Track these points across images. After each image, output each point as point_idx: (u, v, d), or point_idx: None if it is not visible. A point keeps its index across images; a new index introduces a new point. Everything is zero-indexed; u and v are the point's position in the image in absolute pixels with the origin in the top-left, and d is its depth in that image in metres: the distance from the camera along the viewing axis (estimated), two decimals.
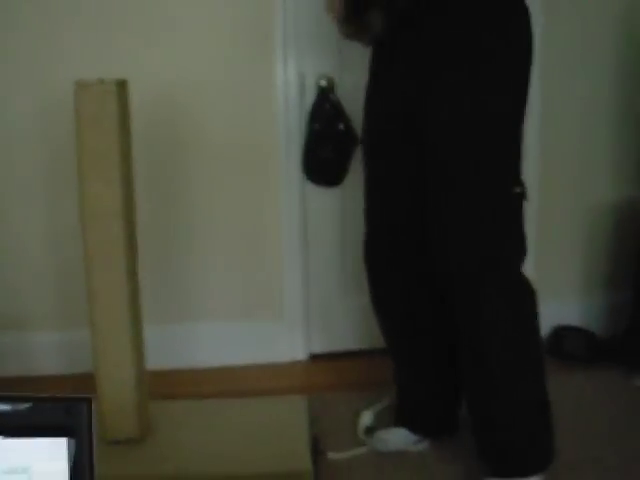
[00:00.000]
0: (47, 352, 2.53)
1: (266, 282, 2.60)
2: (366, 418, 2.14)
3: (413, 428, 2.02)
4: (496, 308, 1.68)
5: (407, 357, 2.00)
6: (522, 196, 1.68)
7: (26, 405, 0.60)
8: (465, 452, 1.89)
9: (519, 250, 1.72)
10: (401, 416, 2.05)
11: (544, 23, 2.38)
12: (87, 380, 1.94)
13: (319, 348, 2.71)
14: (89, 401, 0.60)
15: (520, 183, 1.68)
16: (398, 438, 2.02)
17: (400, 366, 2.03)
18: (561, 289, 2.73)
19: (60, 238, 2.46)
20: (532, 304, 1.74)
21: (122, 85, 1.77)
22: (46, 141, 2.40)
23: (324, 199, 2.60)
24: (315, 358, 2.70)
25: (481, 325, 1.69)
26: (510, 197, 1.67)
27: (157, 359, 2.13)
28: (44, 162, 2.43)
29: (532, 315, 1.74)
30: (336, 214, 2.64)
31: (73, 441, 0.60)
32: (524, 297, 1.73)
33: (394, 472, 1.92)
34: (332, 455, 1.97)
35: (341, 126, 2.48)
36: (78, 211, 1.80)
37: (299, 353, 2.67)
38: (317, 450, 1.96)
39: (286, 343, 2.59)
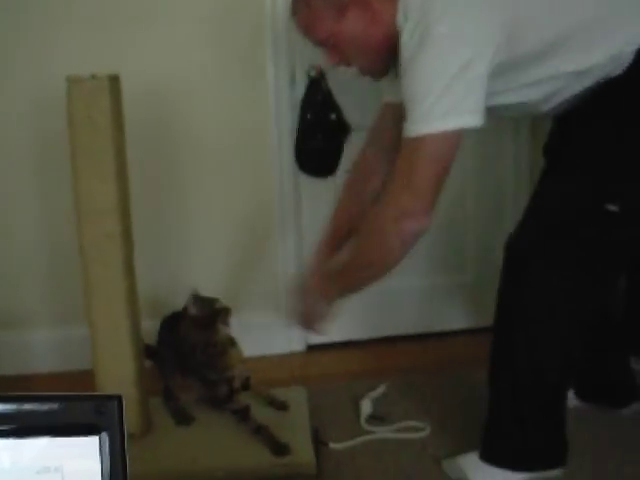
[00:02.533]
0: (44, 349, 2.52)
1: (262, 274, 2.60)
2: (366, 406, 2.14)
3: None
4: None
5: None
6: None
7: (56, 404, 0.60)
8: (468, 441, 1.88)
9: None
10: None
11: None
12: (85, 377, 1.95)
13: (316, 339, 2.71)
14: (120, 399, 0.60)
15: None
16: None
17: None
18: None
19: (55, 235, 2.45)
20: None
21: (114, 80, 1.76)
22: (39, 137, 2.39)
23: (318, 189, 2.59)
24: (313, 349, 2.70)
25: None
26: None
27: None
28: (37, 159, 2.41)
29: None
30: (330, 204, 2.62)
31: (105, 439, 0.60)
32: None
33: (396, 461, 1.92)
34: (334, 445, 1.98)
35: (333, 116, 2.47)
36: (73, 207, 1.79)
37: (297, 344, 2.68)
38: (318, 440, 1.97)
39: (283, 334, 2.58)
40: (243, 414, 1.95)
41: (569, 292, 1.64)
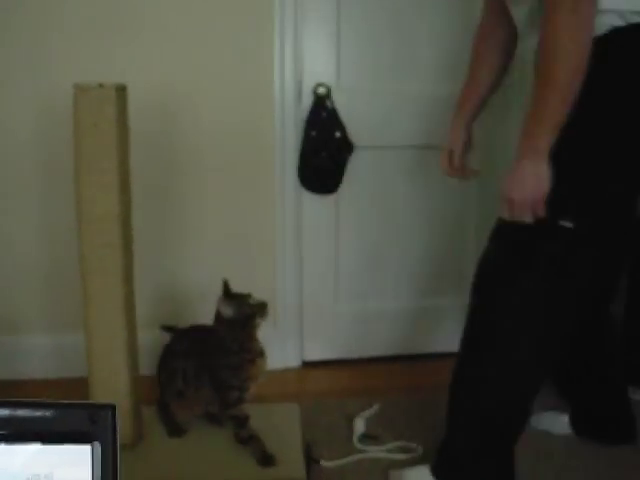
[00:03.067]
0: (39, 356, 2.51)
1: (260, 289, 2.59)
2: (359, 425, 2.14)
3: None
4: None
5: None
6: None
7: (49, 411, 0.60)
8: None
9: None
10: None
11: None
12: (78, 384, 1.95)
13: (312, 356, 2.72)
14: (113, 408, 0.60)
15: None
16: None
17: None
18: None
19: (54, 241, 2.45)
20: None
21: (121, 90, 1.77)
22: (43, 145, 2.39)
23: (319, 206, 2.60)
24: (308, 365, 2.70)
25: None
26: None
27: (151, 364, 2.13)
28: (40, 165, 2.42)
29: None
30: (331, 222, 2.64)
31: (97, 448, 0.60)
32: None
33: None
34: (325, 463, 1.97)
35: (337, 134, 2.49)
36: (74, 215, 1.80)
37: (292, 360, 2.68)
38: (310, 457, 1.96)
39: (279, 350, 2.58)
40: (242, 421, 1.93)
41: (532, 318, 1.62)
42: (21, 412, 0.60)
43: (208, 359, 1.94)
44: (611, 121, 1.51)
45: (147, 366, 2.07)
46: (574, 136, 1.49)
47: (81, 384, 1.91)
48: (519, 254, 1.59)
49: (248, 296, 1.94)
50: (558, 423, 2.10)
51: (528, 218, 1.51)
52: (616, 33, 1.47)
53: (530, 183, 1.49)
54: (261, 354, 1.95)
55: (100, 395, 1.87)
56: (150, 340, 2.12)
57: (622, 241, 1.71)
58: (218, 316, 1.93)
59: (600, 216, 1.56)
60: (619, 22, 1.45)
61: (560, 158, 1.49)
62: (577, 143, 1.51)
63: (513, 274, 1.61)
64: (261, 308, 1.93)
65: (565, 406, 2.11)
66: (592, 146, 1.53)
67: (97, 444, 0.60)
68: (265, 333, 2.00)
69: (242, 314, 1.90)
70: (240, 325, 1.91)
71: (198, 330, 2.05)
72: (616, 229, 1.62)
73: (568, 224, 1.52)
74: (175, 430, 2.02)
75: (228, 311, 1.91)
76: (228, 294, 1.94)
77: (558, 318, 1.63)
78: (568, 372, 2.05)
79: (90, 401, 0.67)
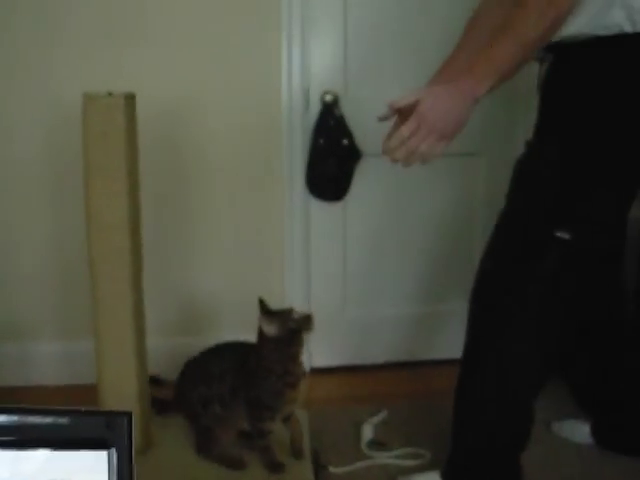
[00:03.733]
0: (48, 362, 2.52)
1: (268, 295, 2.59)
2: (367, 431, 2.14)
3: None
4: None
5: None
6: None
7: (67, 418, 0.61)
8: None
9: None
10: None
11: None
12: (88, 391, 1.95)
13: (320, 362, 2.72)
14: (129, 415, 0.61)
15: None
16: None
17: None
18: None
19: (63, 248, 2.47)
20: None
21: (130, 98, 1.77)
22: (52, 153, 2.41)
23: (327, 213, 2.61)
24: (316, 372, 2.70)
25: None
26: None
27: (160, 371, 2.13)
28: (50, 173, 2.43)
29: None
30: (339, 229, 2.65)
31: (113, 454, 0.61)
32: None
33: None
34: (333, 469, 1.97)
35: (345, 141, 2.49)
36: (84, 223, 1.81)
37: None
38: (318, 464, 1.96)
39: None
40: (264, 434, 1.85)
41: (535, 326, 1.61)
42: (38, 419, 0.60)
43: (246, 379, 1.83)
44: (607, 129, 1.51)
45: (156, 372, 2.08)
46: (573, 143, 1.50)
47: (91, 391, 1.92)
48: (521, 264, 1.58)
49: (290, 310, 1.83)
50: (579, 432, 2.09)
51: (422, 147, 1.42)
52: (623, 38, 1.45)
53: (454, 115, 1.42)
54: (303, 377, 1.85)
55: (109, 401, 1.87)
56: (160, 346, 2.13)
57: (616, 247, 1.72)
58: (261, 335, 1.81)
59: (595, 225, 1.54)
60: (628, 27, 1.44)
61: (561, 167, 1.49)
62: (576, 150, 1.51)
63: (518, 286, 1.60)
64: (306, 321, 1.81)
65: (586, 415, 2.11)
66: (590, 153, 1.52)
67: (113, 450, 0.61)
68: None
69: (287, 330, 1.78)
70: (286, 343, 1.79)
71: (233, 348, 1.94)
72: (610, 236, 1.61)
73: (565, 235, 1.51)
74: (234, 462, 1.88)
75: (272, 329, 1.78)
76: (268, 311, 1.82)
77: (557, 325, 1.63)
78: (588, 384, 2.04)
79: (106, 409, 0.67)
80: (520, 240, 1.57)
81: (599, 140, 1.51)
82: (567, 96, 1.56)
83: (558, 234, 1.51)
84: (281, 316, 1.80)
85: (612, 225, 1.60)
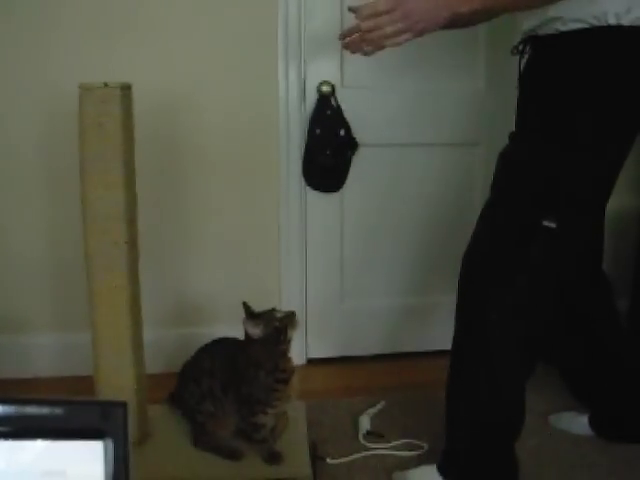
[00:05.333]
0: (45, 354, 2.52)
1: (264, 287, 2.60)
2: (365, 423, 2.14)
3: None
4: None
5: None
6: None
7: (62, 408, 0.60)
8: None
9: None
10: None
11: None
12: (85, 383, 1.95)
13: (317, 353, 2.72)
14: (125, 405, 0.61)
15: None
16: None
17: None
18: None
19: (60, 240, 2.46)
20: None
21: (126, 89, 1.77)
22: (48, 144, 2.40)
23: (324, 204, 2.61)
24: (313, 363, 2.70)
25: None
26: None
27: (156, 363, 2.13)
28: (46, 164, 2.43)
29: None
30: (336, 220, 2.64)
31: (109, 444, 0.61)
32: None
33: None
34: (331, 460, 1.97)
35: (341, 132, 2.49)
36: (80, 214, 1.80)
37: (297, 358, 2.66)
38: (316, 455, 1.96)
39: None
40: (258, 427, 1.86)
41: (524, 315, 1.61)
42: (34, 409, 0.60)
43: (236, 377, 1.84)
44: (587, 118, 1.51)
45: (153, 364, 2.08)
46: (555, 132, 1.50)
47: (87, 383, 1.92)
48: (507, 253, 1.59)
49: (273, 310, 1.84)
50: (577, 423, 2.10)
51: (388, 30, 1.43)
52: (599, 31, 1.46)
53: (431, 15, 1.44)
54: (293, 373, 1.86)
55: (106, 393, 1.86)
56: (156, 338, 2.13)
57: (597, 236, 1.78)
58: (247, 338, 1.82)
59: (579, 214, 1.56)
60: (613, 20, 1.44)
61: (544, 156, 1.50)
62: (558, 139, 1.52)
63: (507, 275, 1.60)
64: (290, 319, 1.82)
65: (584, 407, 2.11)
66: (572, 142, 1.52)
67: (109, 440, 0.61)
68: None
69: (272, 329, 1.79)
70: (273, 342, 1.80)
71: (225, 345, 1.95)
72: (594, 222, 1.65)
73: (552, 224, 1.52)
74: (231, 452, 1.89)
75: (257, 331, 1.79)
76: (252, 314, 1.82)
77: (543, 312, 1.65)
78: (584, 376, 2.04)
79: (102, 398, 0.67)
80: (506, 229, 1.58)
81: (580, 128, 1.51)
82: (547, 87, 1.57)
83: (545, 223, 1.52)
84: (265, 317, 1.81)
85: (594, 213, 1.64)
